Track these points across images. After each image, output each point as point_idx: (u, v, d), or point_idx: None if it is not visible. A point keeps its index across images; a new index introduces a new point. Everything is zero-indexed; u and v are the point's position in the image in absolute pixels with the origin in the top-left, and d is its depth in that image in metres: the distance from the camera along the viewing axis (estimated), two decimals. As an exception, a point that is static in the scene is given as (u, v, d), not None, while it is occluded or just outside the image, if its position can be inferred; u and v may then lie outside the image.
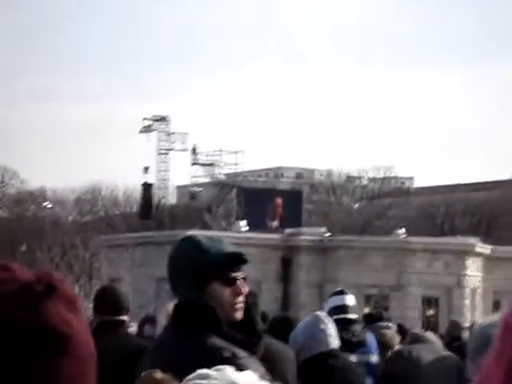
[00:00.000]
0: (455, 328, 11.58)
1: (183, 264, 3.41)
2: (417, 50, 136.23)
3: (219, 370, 1.88)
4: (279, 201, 45.73)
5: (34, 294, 1.22)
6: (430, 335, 7.77)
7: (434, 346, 7.59)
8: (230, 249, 3.41)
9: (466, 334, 11.59)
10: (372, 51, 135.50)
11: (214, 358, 3.06)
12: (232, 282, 3.36)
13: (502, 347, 0.79)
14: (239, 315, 3.38)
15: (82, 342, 1.24)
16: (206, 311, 3.31)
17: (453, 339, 10.84)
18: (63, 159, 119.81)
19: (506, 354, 0.77)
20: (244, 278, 3.42)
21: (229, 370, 1.87)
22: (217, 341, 3.25)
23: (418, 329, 8.28)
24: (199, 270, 3.32)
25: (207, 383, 1.84)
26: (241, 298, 3.37)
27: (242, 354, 3.22)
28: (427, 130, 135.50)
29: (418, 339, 7.51)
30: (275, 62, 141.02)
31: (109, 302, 5.71)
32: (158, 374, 2.58)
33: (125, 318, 5.76)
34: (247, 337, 3.35)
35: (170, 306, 5.36)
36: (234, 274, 3.37)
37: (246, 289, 3.39)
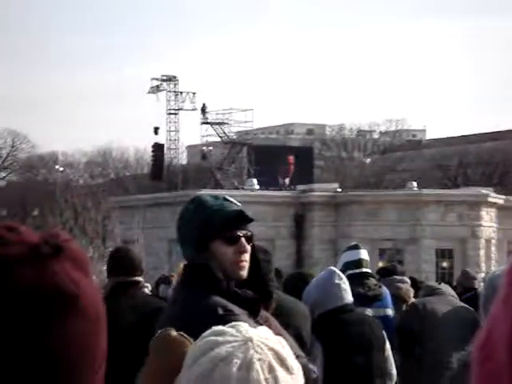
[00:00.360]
0: (466, 278, 11.46)
1: (188, 224, 3.40)
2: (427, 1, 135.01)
3: (234, 326, 1.89)
4: (291, 158, 45.59)
5: (41, 255, 1.22)
6: (444, 287, 7.73)
7: (448, 299, 7.58)
8: (234, 207, 3.37)
9: (479, 284, 11.53)
10: (377, 4, 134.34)
11: (209, 316, 3.08)
12: (235, 241, 3.34)
13: (508, 296, 0.77)
14: (244, 273, 3.35)
15: (90, 301, 1.24)
16: (204, 270, 3.32)
17: (465, 290, 10.74)
18: (73, 123, 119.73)
19: None
20: (249, 237, 3.38)
21: (244, 326, 1.89)
22: (213, 299, 3.25)
23: (432, 281, 8.20)
24: (202, 230, 3.32)
25: (222, 340, 1.85)
26: (244, 256, 3.34)
27: (237, 310, 3.21)
28: (437, 82, 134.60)
29: (432, 292, 7.49)
30: (285, 20, 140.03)
31: (123, 263, 5.72)
32: (173, 333, 2.51)
33: (139, 278, 5.78)
34: (253, 294, 3.32)
35: (181, 266, 5.30)
36: (237, 233, 3.34)
37: (248, 247, 3.33)
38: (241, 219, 3.37)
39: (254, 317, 3.21)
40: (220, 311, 3.19)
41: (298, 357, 3.45)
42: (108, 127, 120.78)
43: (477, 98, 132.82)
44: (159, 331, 2.58)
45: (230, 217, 3.33)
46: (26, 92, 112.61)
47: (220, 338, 1.85)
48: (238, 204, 3.44)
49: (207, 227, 3.32)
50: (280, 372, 1.82)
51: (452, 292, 7.75)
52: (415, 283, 10.53)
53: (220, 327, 1.90)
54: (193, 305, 3.31)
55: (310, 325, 5.72)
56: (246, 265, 3.37)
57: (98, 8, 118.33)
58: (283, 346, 1.87)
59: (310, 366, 3.66)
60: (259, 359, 1.81)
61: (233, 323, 1.92)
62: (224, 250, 3.33)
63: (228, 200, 3.42)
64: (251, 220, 3.40)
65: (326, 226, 38.16)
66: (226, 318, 2.95)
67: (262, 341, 1.84)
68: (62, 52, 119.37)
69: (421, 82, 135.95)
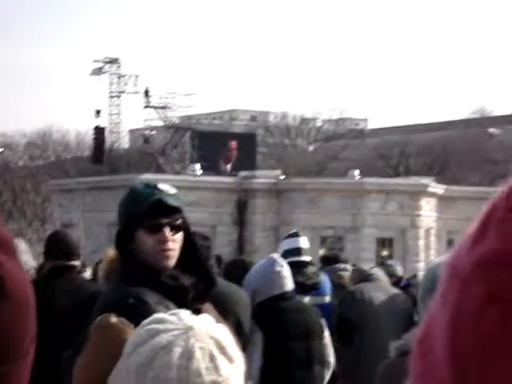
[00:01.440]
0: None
1: (118, 213, 3.45)
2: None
3: (175, 314, 1.88)
4: (233, 144, 45.50)
5: None
6: (377, 272, 7.83)
7: (382, 285, 7.66)
8: (159, 195, 3.33)
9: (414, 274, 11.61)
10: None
11: (119, 305, 3.10)
12: (156, 230, 3.34)
13: (446, 291, 0.77)
14: (168, 262, 3.35)
15: (15, 284, 1.19)
16: (125, 259, 3.36)
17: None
18: (13, 103, 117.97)
19: (451, 299, 0.75)
20: (176, 225, 3.37)
21: (184, 314, 1.87)
22: (127, 288, 3.26)
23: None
24: (127, 219, 3.36)
25: (163, 327, 1.83)
26: (167, 245, 3.34)
27: (151, 299, 3.21)
28: (380, 71, 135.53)
29: (366, 277, 7.55)
30: (228, 3, 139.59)
31: (60, 247, 5.75)
32: (113, 319, 2.52)
33: (76, 263, 5.82)
34: (191, 282, 3.33)
35: (109, 251, 5.20)
36: (159, 221, 3.34)
37: (169, 236, 3.33)
38: (163, 208, 3.32)
39: (185, 306, 3.16)
40: (130, 301, 3.18)
41: None
42: (49, 109, 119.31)
43: (420, 87, 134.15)
44: (99, 317, 2.57)
45: (151, 205, 3.31)
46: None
47: (160, 326, 1.84)
48: (172, 192, 3.40)
49: (131, 216, 3.34)
50: (221, 360, 1.82)
51: (384, 277, 7.84)
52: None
53: (161, 315, 1.88)
54: (108, 294, 3.40)
55: (249, 312, 5.75)
56: (171, 253, 3.35)
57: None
58: (224, 334, 1.87)
59: None
60: (200, 347, 1.80)
61: (174, 311, 1.92)
62: (146, 239, 3.34)
63: (158, 188, 3.38)
64: (175, 208, 3.36)
65: (268, 213, 38.20)
66: (137, 308, 3.03)
67: (203, 329, 1.83)
68: (4, 30, 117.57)
69: (364, 72, 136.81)
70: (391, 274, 10.20)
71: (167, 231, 3.34)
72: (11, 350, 1.16)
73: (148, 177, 39.56)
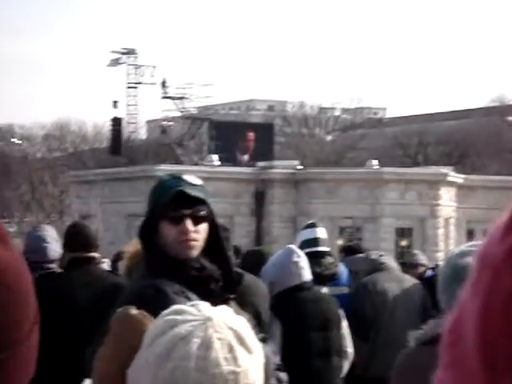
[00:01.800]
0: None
1: (147, 205, 3.51)
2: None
3: (194, 305, 1.90)
4: (251, 135, 45.48)
5: None
6: (388, 260, 7.76)
7: (396, 273, 7.64)
8: (182, 186, 3.36)
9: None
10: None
11: (138, 296, 3.14)
12: (178, 221, 3.37)
13: (477, 280, 0.77)
14: (191, 252, 3.37)
15: (8, 270, 1.19)
16: (148, 250, 3.41)
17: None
18: (31, 95, 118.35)
19: (482, 287, 0.76)
20: (199, 216, 3.39)
21: (203, 306, 1.88)
22: (149, 280, 3.30)
23: (375, 253, 8.15)
24: (151, 210, 3.41)
25: (182, 318, 1.85)
26: (189, 236, 3.36)
27: (172, 290, 3.25)
28: (398, 60, 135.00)
29: (379, 266, 7.50)
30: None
31: (78, 238, 5.76)
32: (132, 311, 2.52)
33: (95, 254, 5.84)
34: (203, 273, 3.35)
35: (130, 246, 5.18)
36: (181, 212, 3.36)
37: (191, 227, 3.36)
38: (185, 198, 3.34)
39: (210, 296, 3.14)
40: (150, 291, 3.22)
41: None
42: (66, 100, 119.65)
43: (437, 76, 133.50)
44: (119, 309, 2.59)
45: (173, 196, 3.34)
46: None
47: (179, 317, 1.85)
48: (196, 183, 3.42)
49: (155, 207, 3.38)
50: (239, 351, 1.83)
51: (395, 264, 7.82)
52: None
53: (180, 306, 1.90)
54: (130, 286, 3.47)
55: (268, 303, 5.75)
56: (193, 243, 3.38)
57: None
58: (243, 325, 1.88)
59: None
60: (219, 338, 1.81)
61: (193, 302, 1.93)
62: (168, 230, 3.37)
63: (182, 179, 3.40)
64: (198, 199, 3.37)
65: (286, 203, 38.16)
66: (157, 298, 3.08)
67: (221, 320, 1.85)
68: (18, 23, 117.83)
69: (381, 61, 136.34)
70: (416, 264, 10.09)
71: (189, 222, 3.36)
72: (7, 336, 1.16)
73: (165, 168, 39.61)
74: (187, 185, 3.39)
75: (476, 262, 0.80)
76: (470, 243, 3.16)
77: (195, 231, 3.37)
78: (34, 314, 1.24)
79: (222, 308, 1.94)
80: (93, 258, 5.78)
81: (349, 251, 9.01)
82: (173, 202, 3.34)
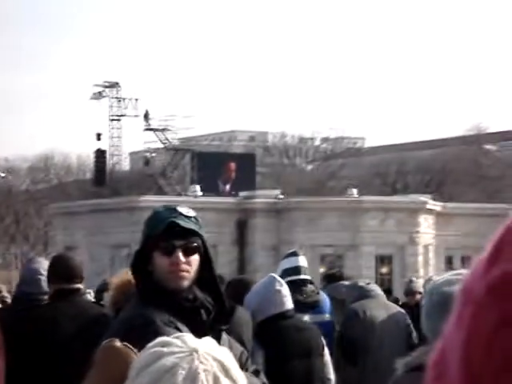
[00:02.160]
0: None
1: (141, 235, 3.54)
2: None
3: (179, 337, 1.90)
4: (232, 165, 45.77)
5: None
6: (374, 287, 7.79)
7: (383, 301, 7.73)
8: (175, 218, 3.40)
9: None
10: (310, 13, 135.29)
11: (127, 326, 3.22)
12: (170, 252, 3.39)
13: (460, 314, 0.80)
14: (182, 283, 3.40)
15: None
16: (141, 281, 3.46)
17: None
18: (15, 128, 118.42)
19: (465, 322, 0.79)
20: (190, 248, 3.42)
21: (188, 337, 1.89)
22: (138, 310, 3.37)
23: (362, 281, 8.16)
24: (144, 241, 3.44)
25: (168, 350, 1.85)
26: (180, 267, 3.39)
27: (161, 320, 3.29)
28: (377, 90, 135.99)
29: (366, 294, 7.57)
30: (222, 27, 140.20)
31: (62, 270, 5.70)
32: (117, 343, 2.58)
33: (79, 285, 5.78)
34: (194, 304, 3.40)
35: (115, 278, 5.37)
36: (172, 243, 3.39)
37: (181, 258, 3.39)
38: (176, 230, 3.37)
39: (200, 328, 3.20)
40: (137, 322, 3.26)
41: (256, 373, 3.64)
42: (50, 133, 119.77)
43: (415, 105, 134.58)
44: (103, 342, 2.59)
45: (165, 228, 3.37)
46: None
47: (165, 349, 1.85)
48: (191, 214, 3.46)
49: (148, 238, 3.41)
50: (225, 382, 1.83)
51: (382, 293, 7.88)
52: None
53: (165, 338, 1.89)
54: (121, 315, 3.50)
55: (251, 331, 5.91)
56: (185, 274, 3.40)
57: (44, 12, 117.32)
58: (228, 356, 1.88)
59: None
60: (204, 370, 1.81)
61: (178, 334, 1.94)
62: (160, 261, 3.39)
63: (176, 211, 3.43)
64: (190, 230, 3.41)
65: (268, 232, 38.43)
66: (145, 329, 3.12)
67: (207, 351, 1.84)
68: (3, 58, 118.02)
69: (361, 91, 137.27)
70: (415, 291, 10.27)
71: (180, 253, 3.38)
72: None
73: (149, 198, 39.86)
74: (180, 216, 3.41)
75: (459, 296, 0.81)
76: (454, 272, 3.19)
77: (186, 262, 3.38)
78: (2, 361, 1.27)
79: (207, 339, 1.92)
80: (77, 290, 5.73)
81: (331, 279, 9.10)
82: (165, 234, 3.36)
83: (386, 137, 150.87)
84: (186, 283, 3.39)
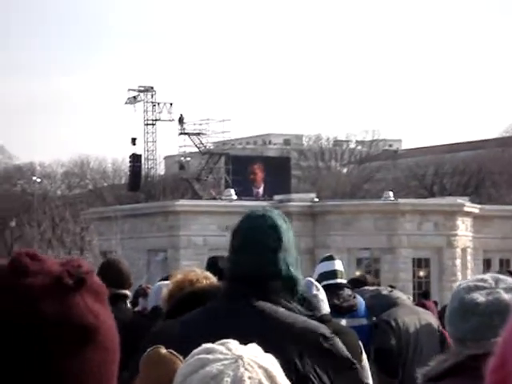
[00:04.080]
0: None
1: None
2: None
3: (223, 343, 1.89)
4: (256, 167, 45.85)
5: (63, 287, 1.28)
6: (399, 294, 7.76)
7: (411, 307, 7.69)
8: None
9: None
10: (350, 16, 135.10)
11: (168, 334, 3.19)
12: None
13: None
14: None
15: (108, 333, 1.33)
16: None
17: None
18: (51, 133, 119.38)
19: None
20: None
21: (233, 344, 1.89)
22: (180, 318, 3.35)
23: (384, 288, 8.04)
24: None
25: (213, 357, 1.85)
26: None
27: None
28: (413, 92, 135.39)
29: (394, 302, 7.52)
30: (261, 31, 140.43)
31: (111, 275, 5.70)
32: (162, 350, 2.56)
33: (127, 292, 5.82)
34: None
35: (184, 271, 5.37)
36: None
37: None
38: None
39: None
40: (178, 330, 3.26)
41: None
42: (86, 138, 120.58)
43: (452, 107, 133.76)
44: (149, 349, 2.59)
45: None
46: (3, 102, 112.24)
47: (210, 356, 1.85)
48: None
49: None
50: None
51: (406, 297, 7.84)
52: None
53: (210, 345, 1.90)
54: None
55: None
56: None
57: (80, 20, 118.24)
58: (273, 363, 1.88)
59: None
60: (249, 377, 1.81)
61: (222, 340, 1.92)
62: None
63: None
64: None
65: (304, 235, 38.33)
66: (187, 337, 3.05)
67: (252, 358, 1.85)
68: (40, 62, 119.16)
69: (396, 93, 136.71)
70: None
71: None
72: None
73: (184, 203, 39.90)
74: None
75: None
76: (478, 277, 3.18)
77: None
78: (118, 369, 1.37)
79: (252, 346, 1.91)
80: (124, 296, 5.76)
81: (355, 284, 8.74)
82: None
83: (422, 139, 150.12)
84: None
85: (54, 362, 1.27)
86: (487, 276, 3.07)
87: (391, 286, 9.11)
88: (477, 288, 3.00)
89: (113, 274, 5.74)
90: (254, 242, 3.43)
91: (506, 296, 2.95)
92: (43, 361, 1.26)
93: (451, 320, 3.06)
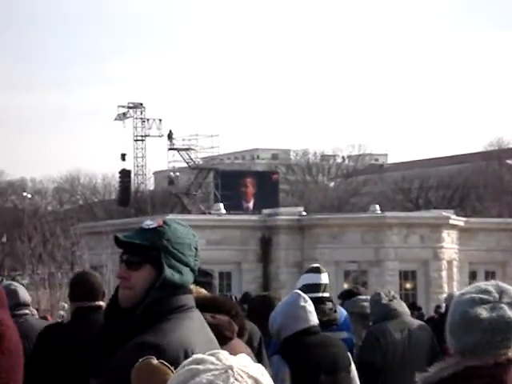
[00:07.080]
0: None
1: None
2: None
3: (214, 354, 1.90)
4: (248, 181, 46.24)
5: None
6: (397, 305, 7.60)
7: (405, 320, 7.56)
8: (125, 232, 3.34)
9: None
10: (334, 29, 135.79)
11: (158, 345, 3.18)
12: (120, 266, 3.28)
13: None
14: (121, 300, 3.23)
15: (12, 337, 1.31)
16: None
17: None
18: (42, 149, 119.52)
19: None
20: (126, 261, 3.26)
21: (223, 354, 1.89)
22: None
23: (385, 296, 7.68)
24: None
25: (203, 368, 1.85)
26: (121, 282, 3.23)
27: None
28: (398, 107, 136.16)
29: (389, 314, 7.47)
30: (248, 47, 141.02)
31: (82, 288, 5.62)
32: (154, 361, 2.59)
33: (101, 303, 5.64)
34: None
35: None
36: (121, 257, 3.28)
37: (120, 272, 3.22)
38: (118, 243, 3.27)
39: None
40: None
41: None
42: (75, 154, 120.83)
43: (437, 121, 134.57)
44: (140, 359, 2.59)
45: (115, 242, 3.31)
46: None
47: (201, 367, 1.85)
48: (146, 227, 3.36)
49: None
50: None
51: (406, 309, 7.69)
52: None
53: (200, 355, 1.89)
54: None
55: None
56: (123, 291, 3.20)
57: (70, 36, 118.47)
58: (262, 373, 1.87)
59: None
60: None
61: (213, 351, 1.91)
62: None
63: (141, 225, 3.36)
64: (124, 242, 3.25)
65: (292, 249, 38.66)
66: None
67: (242, 369, 1.84)
68: (29, 78, 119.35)
69: (382, 107, 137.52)
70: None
71: (123, 267, 3.22)
72: None
73: (173, 217, 40.18)
74: (135, 230, 3.33)
75: None
76: (481, 287, 3.04)
77: (127, 278, 3.19)
78: (22, 373, 1.33)
79: (242, 357, 1.91)
80: (99, 307, 5.55)
81: (348, 295, 9.12)
82: (121, 248, 3.29)
83: (407, 153, 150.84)
84: (124, 303, 3.18)
85: None
86: (491, 287, 3.00)
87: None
88: (481, 301, 2.94)
89: (85, 287, 5.61)
90: None
91: (509, 313, 2.91)
92: None
93: (452, 331, 3.00)
